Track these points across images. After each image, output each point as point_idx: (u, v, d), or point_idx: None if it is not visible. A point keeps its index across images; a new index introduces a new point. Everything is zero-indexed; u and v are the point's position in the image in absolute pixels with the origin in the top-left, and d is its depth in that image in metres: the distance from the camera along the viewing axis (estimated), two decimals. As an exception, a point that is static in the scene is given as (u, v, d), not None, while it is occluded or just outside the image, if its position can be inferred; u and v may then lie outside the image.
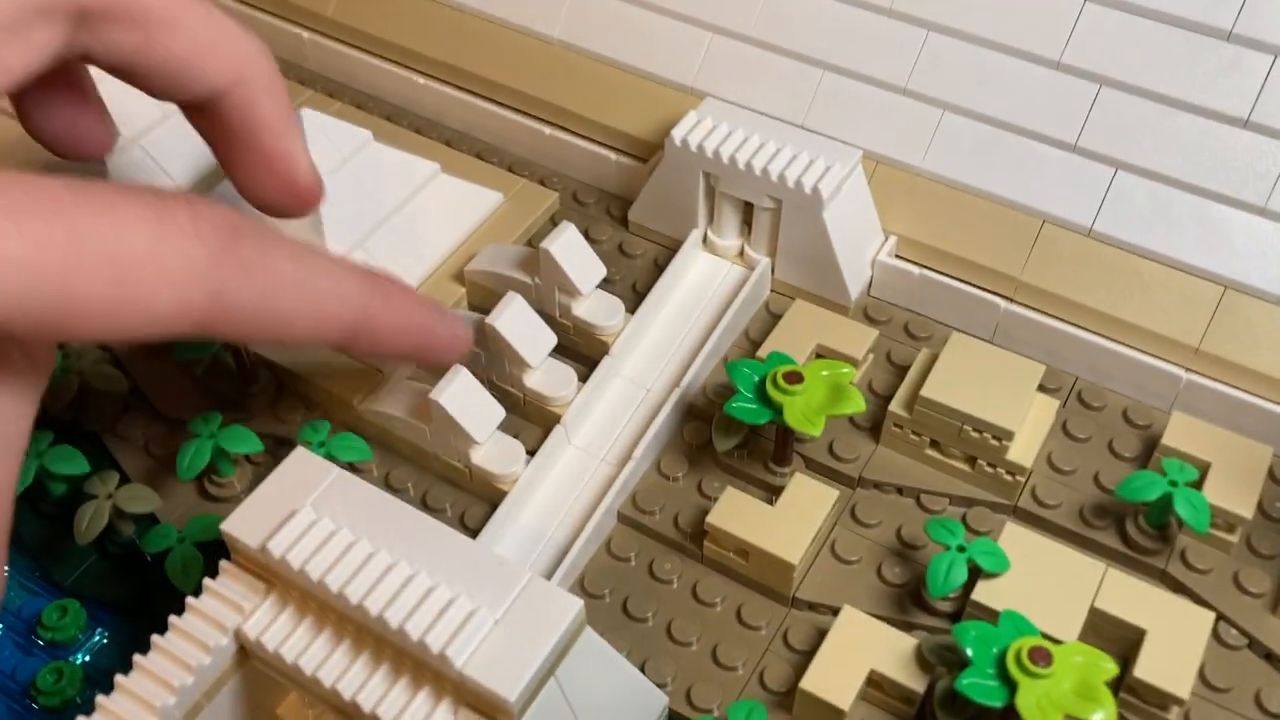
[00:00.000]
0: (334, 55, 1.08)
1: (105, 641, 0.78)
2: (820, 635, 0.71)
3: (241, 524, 0.63)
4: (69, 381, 0.82)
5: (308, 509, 0.63)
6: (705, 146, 0.86)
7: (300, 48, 1.09)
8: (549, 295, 0.85)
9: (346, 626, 0.62)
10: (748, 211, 0.89)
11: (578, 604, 0.60)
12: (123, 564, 0.81)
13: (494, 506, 0.78)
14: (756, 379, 0.75)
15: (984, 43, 0.87)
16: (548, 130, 0.99)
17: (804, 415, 0.72)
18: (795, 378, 0.73)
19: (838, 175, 0.84)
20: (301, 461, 0.66)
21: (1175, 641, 0.68)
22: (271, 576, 0.63)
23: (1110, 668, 0.62)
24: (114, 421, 0.85)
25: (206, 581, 0.64)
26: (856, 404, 0.73)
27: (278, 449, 0.81)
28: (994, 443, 0.76)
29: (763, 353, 0.82)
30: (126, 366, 0.87)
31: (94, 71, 0.68)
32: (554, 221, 0.95)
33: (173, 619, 0.63)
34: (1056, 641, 0.65)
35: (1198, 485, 0.73)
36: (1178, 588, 0.74)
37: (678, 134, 0.87)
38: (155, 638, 0.62)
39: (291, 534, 0.62)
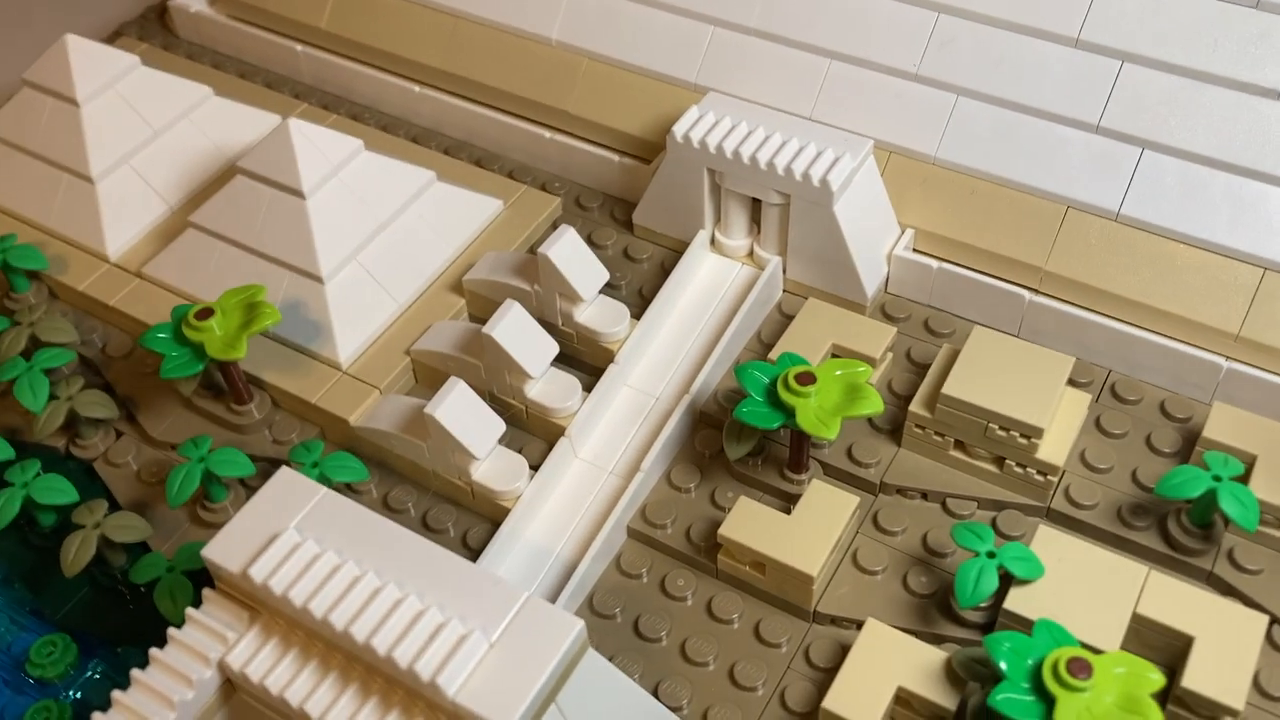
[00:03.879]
0: (329, 67, 1.05)
1: (98, 677, 0.75)
2: (844, 651, 0.67)
3: (223, 549, 0.60)
4: (57, 409, 0.79)
5: (291, 531, 0.60)
6: (708, 142, 0.82)
7: (294, 61, 1.07)
8: (550, 302, 0.81)
9: (335, 655, 0.58)
10: (756, 209, 0.85)
11: (578, 624, 0.56)
12: (115, 595, 0.77)
13: (497, 525, 0.75)
14: (767, 381, 0.71)
15: (997, 22, 0.83)
16: (548, 134, 0.96)
17: (818, 418, 0.68)
18: (808, 379, 0.69)
19: (848, 166, 0.80)
20: (286, 482, 0.62)
21: (1226, 648, 0.63)
22: (256, 604, 0.60)
23: (1156, 679, 0.58)
24: (105, 448, 0.82)
25: (189, 611, 0.61)
26: (874, 404, 0.69)
27: (273, 471, 0.78)
28: (1022, 441, 0.71)
29: (774, 354, 0.77)
30: (116, 390, 0.84)
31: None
32: (556, 227, 0.92)
33: (154, 652, 0.60)
34: (1097, 651, 0.61)
35: (1244, 479, 0.69)
36: (1227, 590, 0.69)
37: (679, 130, 0.83)
38: (135, 672, 0.59)
39: (274, 558, 0.58)
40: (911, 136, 0.85)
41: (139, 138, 0.93)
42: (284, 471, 0.63)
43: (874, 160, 0.84)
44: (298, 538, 0.59)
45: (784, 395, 0.69)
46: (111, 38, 1.13)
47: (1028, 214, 0.82)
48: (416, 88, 1.01)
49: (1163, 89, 0.79)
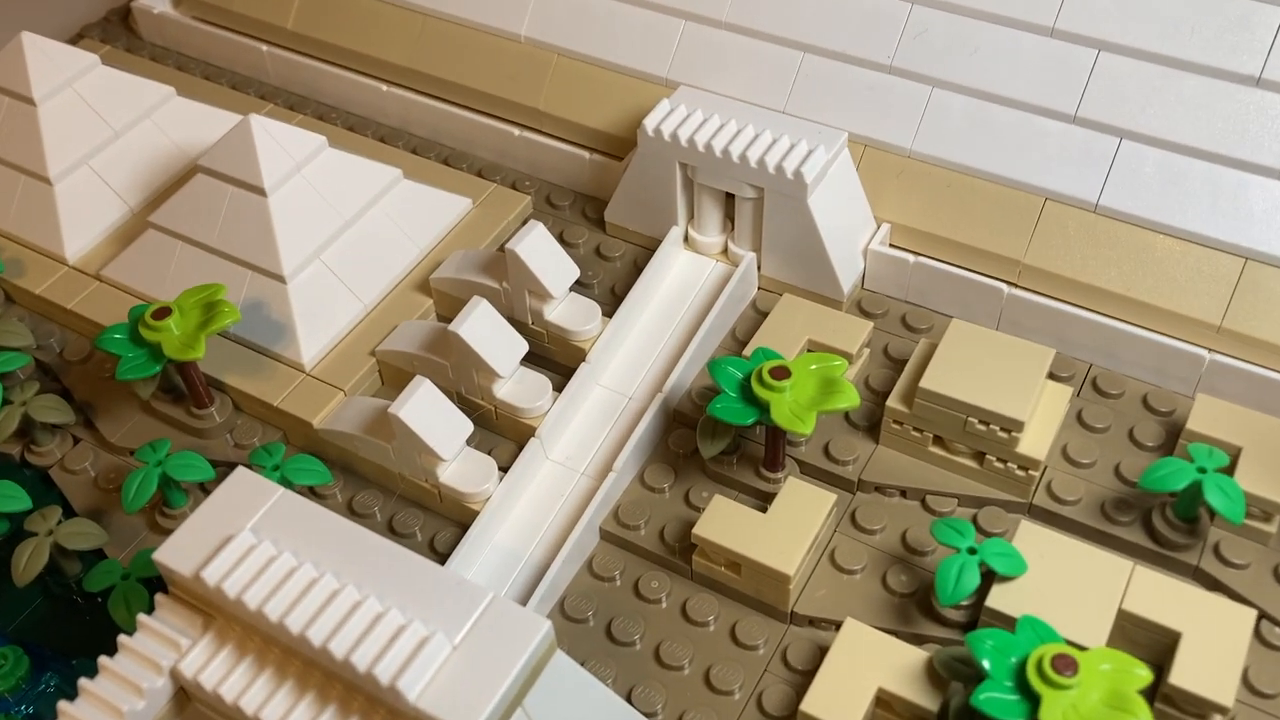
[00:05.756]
0: (295, 67, 1.03)
1: (51, 690, 0.72)
2: (822, 653, 0.65)
3: (175, 552, 0.58)
4: (10, 414, 0.77)
5: (247, 533, 0.57)
6: (680, 135, 0.80)
7: (260, 62, 1.05)
8: (519, 300, 0.79)
9: (291, 661, 0.56)
10: (729, 204, 0.84)
11: (545, 624, 0.54)
12: (69, 605, 0.75)
13: (465, 528, 0.72)
14: (741, 377, 0.69)
15: (972, 13, 0.82)
16: (517, 132, 0.94)
17: (793, 413, 0.66)
18: (782, 373, 0.67)
19: (822, 159, 0.79)
20: (241, 483, 0.60)
21: (1214, 643, 0.62)
22: (210, 608, 0.58)
23: (1143, 674, 0.56)
24: (62, 455, 0.80)
25: (141, 618, 0.58)
26: (850, 399, 0.67)
27: (234, 476, 0.76)
28: (1002, 435, 0.70)
29: (749, 350, 0.76)
30: (74, 395, 0.82)
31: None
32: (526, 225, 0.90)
33: (103, 660, 0.57)
34: (1082, 649, 0.59)
35: (1228, 471, 0.67)
36: (1213, 584, 0.67)
37: (650, 123, 0.81)
38: (84, 682, 0.57)
39: (228, 560, 0.56)
40: (886, 129, 0.84)
41: (98, 138, 0.91)
42: (240, 472, 0.61)
43: (849, 153, 0.82)
44: (253, 539, 0.57)
45: (758, 390, 0.67)
46: (73, 40, 1.11)
47: (1005, 206, 0.81)
48: (384, 86, 0.99)
49: (1140, 78, 0.78)
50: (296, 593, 0.55)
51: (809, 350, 0.78)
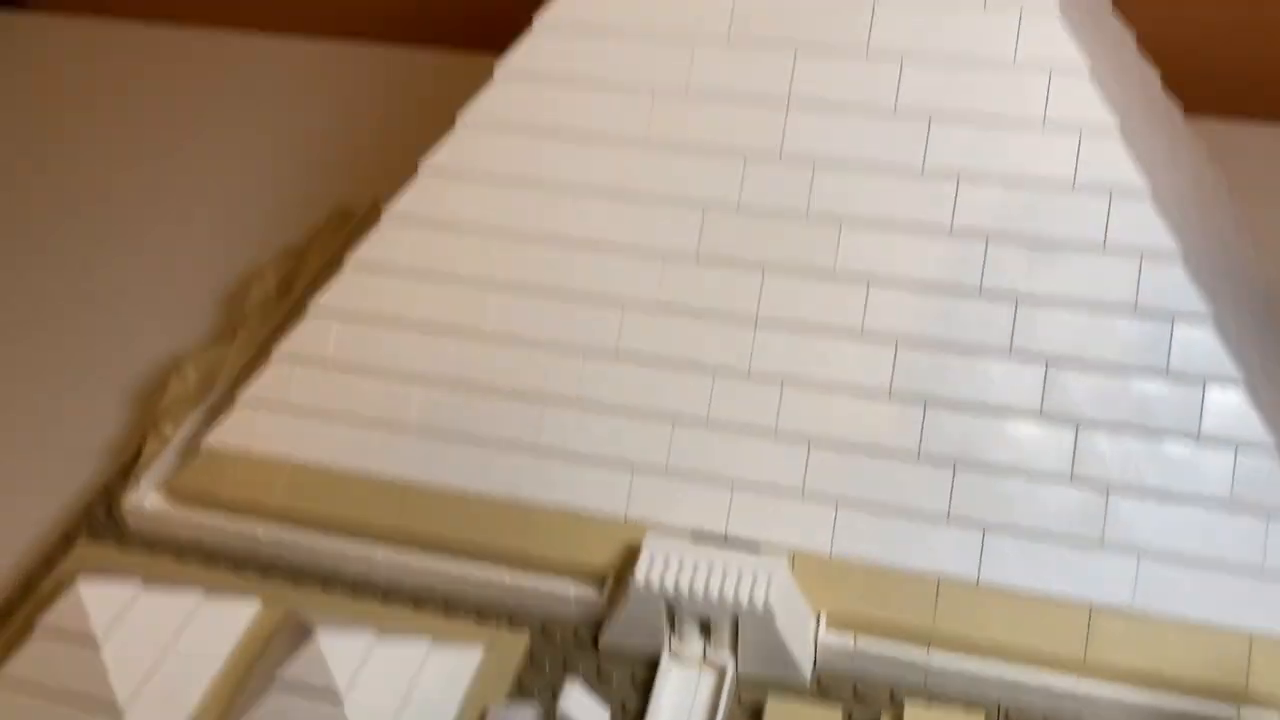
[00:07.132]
0: (284, 542, 1.19)
1: None
2: None
3: None
4: None
5: None
6: (666, 584, 1.03)
7: (253, 539, 1.20)
8: (567, 744, 0.98)
9: None
10: (704, 621, 1.06)
11: None
12: None
13: None
14: (774, 789, 0.90)
15: (855, 448, 1.09)
16: (508, 579, 1.13)
17: (826, 816, 0.88)
18: (809, 784, 0.89)
19: (777, 584, 1.02)
20: None
21: None
22: None
23: None
24: None
25: None
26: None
27: None
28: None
29: (762, 757, 0.97)
30: None
31: None
32: (532, 659, 1.09)
33: None
34: None
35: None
36: None
37: (640, 576, 1.03)
38: None
39: None
40: (808, 539, 1.08)
41: (153, 657, 1.04)
42: None
43: (788, 569, 1.06)
44: None
45: (794, 801, 0.88)
46: (63, 540, 1.22)
47: (907, 588, 1.06)
48: (376, 550, 1.17)
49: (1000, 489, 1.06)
50: None
51: (802, 739, 0.99)
